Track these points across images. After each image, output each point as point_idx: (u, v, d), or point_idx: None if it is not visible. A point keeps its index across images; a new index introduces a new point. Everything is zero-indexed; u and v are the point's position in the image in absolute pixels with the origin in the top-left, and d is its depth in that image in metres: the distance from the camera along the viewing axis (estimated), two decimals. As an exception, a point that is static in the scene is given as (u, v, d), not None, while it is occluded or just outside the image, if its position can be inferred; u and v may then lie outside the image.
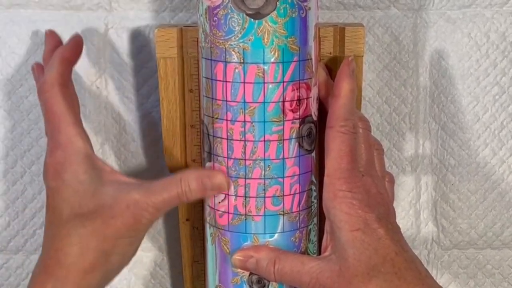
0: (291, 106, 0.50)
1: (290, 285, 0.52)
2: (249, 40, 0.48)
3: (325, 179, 0.50)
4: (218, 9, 0.48)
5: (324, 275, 0.48)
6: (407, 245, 0.50)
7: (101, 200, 0.50)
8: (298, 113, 0.50)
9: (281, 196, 0.51)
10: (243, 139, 0.50)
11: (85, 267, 0.49)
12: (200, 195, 0.51)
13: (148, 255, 0.65)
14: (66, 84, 0.53)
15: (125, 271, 0.65)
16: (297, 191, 0.52)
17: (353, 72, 0.51)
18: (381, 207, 0.49)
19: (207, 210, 0.54)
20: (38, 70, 0.56)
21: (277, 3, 0.47)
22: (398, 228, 0.50)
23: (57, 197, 0.50)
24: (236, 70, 0.49)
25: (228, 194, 0.51)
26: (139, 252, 0.65)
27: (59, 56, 0.53)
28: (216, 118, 0.50)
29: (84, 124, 0.63)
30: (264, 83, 0.49)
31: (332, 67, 0.55)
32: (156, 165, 0.64)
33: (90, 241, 0.49)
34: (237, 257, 0.52)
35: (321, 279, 0.49)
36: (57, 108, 0.51)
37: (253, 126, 0.50)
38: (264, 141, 0.50)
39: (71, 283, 0.49)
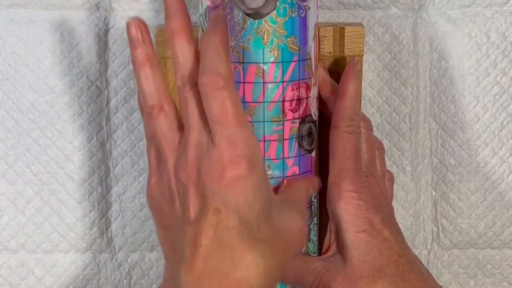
0: (291, 106, 0.50)
1: (292, 285, 0.52)
2: (249, 39, 0.48)
3: (330, 178, 0.50)
4: (218, 9, 0.48)
5: (329, 276, 0.48)
6: (408, 247, 0.50)
7: (275, 223, 0.43)
8: (298, 113, 0.50)
9: (281, 196, 0.51)
10: (243, 139, 0.50)
11: None
12: None
13: (149, 256, 0.65)
14: None
15: (126, 271, 0.65)
16: (297, 190, 0.51)
17: (358, 73, 0.51)
18: (384, 208, 0.50)
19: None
20: (145, 33, 0.45)
21: (277, 2, 0.47)
22: (400, 229, 0.50)
23: (235, 215, 0.41)
24: (236, 70, 0.49)
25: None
26: (140, 252, 0.65)
27: (222, 43, 0.42)
28: (216, 118, 0.50)
29: (85, 124, 0.63)
30: (263, 83, 0.49)
31: (331, 67, 0.55)
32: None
33: (275, 274, 0.43)
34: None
35: (325, 279, 0.48)
36: (238, 111, 0.42)
37: (253, 126, 0.50)
38: (264, 141, 0.50)
39: None
